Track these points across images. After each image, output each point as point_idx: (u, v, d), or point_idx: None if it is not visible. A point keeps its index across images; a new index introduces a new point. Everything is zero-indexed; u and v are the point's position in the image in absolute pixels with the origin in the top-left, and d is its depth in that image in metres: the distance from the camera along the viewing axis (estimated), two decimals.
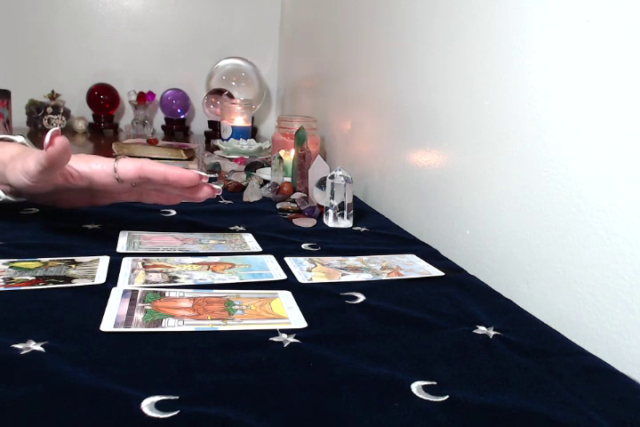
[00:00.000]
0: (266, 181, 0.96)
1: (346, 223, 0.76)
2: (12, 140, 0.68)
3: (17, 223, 0.67)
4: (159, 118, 1.93)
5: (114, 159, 0.59)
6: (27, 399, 0.32)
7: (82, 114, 1.85)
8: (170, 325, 0.43)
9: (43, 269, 0.52)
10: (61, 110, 1.79)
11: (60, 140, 0.52)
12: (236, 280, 0.53)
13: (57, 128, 0.53)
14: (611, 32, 0.46)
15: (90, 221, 0.69)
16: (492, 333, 0.46)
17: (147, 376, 0.36)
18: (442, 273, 0.59)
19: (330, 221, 0.76)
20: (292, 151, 0.96)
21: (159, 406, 0.33)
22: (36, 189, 0.59)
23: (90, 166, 0.59)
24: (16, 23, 1.82)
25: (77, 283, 0.50)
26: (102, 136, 1.78)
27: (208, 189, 0.62)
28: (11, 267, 0.52)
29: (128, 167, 0.58)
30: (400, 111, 0.87)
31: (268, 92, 1.96)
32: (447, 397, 0.36)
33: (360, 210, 0.83)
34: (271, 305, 0.48)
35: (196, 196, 0.62)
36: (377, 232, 0.75)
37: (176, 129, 1.87)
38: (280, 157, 0.91)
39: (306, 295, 0.51)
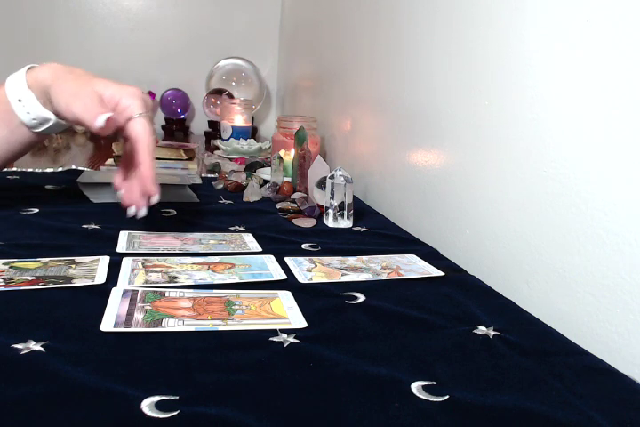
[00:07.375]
0: (266, 181, 0.96)
1: (346, 223, 0.76)
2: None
3: (17, 223, 0.67)
4: (159, 118, 1.93)
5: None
6: (27, 399, 0.32)
7: None
8: (170, 325, 0.43)
9: (43, 269, 0.52)
10: None
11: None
12: (236, 280, 0.53)
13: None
14: (611, 32, 0.46)
15: (90, 221, 0.69)
16: (492, 333, 0.46)
17: (147, 376, 0.36)
18: (442, 273, 0.59)
19: (330, 221, 0.76)
20: (292, 151, 0.96)
21: (159, 406, 0.33)
22: None
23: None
24: (16, 23, 1.81)
25: (77, 283, 0.50)
26: (102, 136, 1.78)
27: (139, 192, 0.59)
28: (11, 267, 0.52)
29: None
30: (400, 111, 0.87)
31: (267, 92, 1.96)
32: (447, 397, 0.36)
33: (360, 210, 0.83)
34: (271, 305, 0.48)
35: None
36: (377, 232, 0.75)
37: (176, 129, 1.87)
38: (280, 157, 0.91)
39: (306, 295, 0.51)
